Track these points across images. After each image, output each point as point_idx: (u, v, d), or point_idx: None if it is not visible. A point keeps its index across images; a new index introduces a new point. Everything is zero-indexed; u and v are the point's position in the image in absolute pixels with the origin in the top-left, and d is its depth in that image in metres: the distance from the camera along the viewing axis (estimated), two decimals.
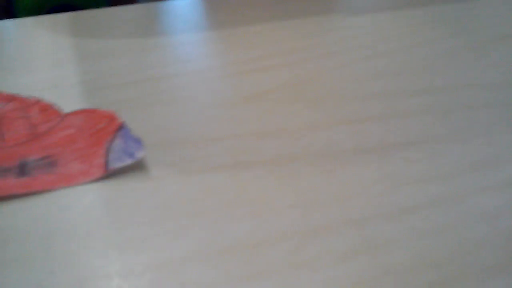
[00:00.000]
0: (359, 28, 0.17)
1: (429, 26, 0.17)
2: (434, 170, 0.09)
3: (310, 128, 0.10)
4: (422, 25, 0.17)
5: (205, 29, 0.18)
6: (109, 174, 0.09)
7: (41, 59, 0.16)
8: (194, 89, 0.13)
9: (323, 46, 0.15)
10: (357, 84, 0.13)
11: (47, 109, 0.11)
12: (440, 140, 0.10)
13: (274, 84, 0.13)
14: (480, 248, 0.07)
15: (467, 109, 0.11)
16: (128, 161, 0.09)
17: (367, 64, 0.14)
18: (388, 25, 0.17)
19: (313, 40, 0.16)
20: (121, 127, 0.10)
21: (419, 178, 0.09)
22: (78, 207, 0.08)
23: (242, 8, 0.20)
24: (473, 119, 0.10)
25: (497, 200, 0.08)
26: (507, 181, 0.09)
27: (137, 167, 0.09)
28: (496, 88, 0.12)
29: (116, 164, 0.09)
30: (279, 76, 0.13)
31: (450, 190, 0.08)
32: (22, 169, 0.09)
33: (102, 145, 0.09)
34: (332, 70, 0.14)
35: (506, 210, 0.08)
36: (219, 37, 0.17)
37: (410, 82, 0.13)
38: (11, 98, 0.12)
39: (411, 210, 0.08)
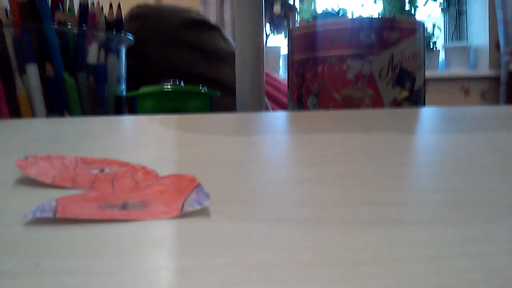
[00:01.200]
0: (402, 142, 0.19)
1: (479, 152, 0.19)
2: None
3: (337, 203, 0.13)
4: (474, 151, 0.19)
5: (284, 133, 0.22)
6: (182, 215, 0.12)
7: (151, 143, 0.20)
8: (264, 171, 0.16)
9: (369, 153, 0.18)
10: (386, 181, 0.15)
11: (148, 173, 0.15)
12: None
13: (322, 173, 0.16)
14: None
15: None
16: (197, 207, 0.12)
17: (400, 168, 0.16)
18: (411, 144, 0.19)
19: (363, 148, 0.19)
20: (197, 186, 0.13)
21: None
22: (153, 232, 0.11)
23: (316, 121, 0.24)
24: None
25: None
26: None
27: (202, 212, 0.12)
28: None
29: (188, 209, 0.12)
30: (327, 168, 0.16)
31: None
32: (124, 206, 0.12)
33: (182, 197, 0.13)
34: (374, 168, 0.16)
35: None
36: (291, 140, 0.21)
37: (433, 183, 0.15)
38: (124, 165, 0.16)
39: None
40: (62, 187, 0.14)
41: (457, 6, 3.29)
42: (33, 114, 0.43)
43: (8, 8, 0.43)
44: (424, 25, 0.41)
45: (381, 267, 0.09)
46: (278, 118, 0.28)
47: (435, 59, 3.13)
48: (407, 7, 3.05)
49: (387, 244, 0.10)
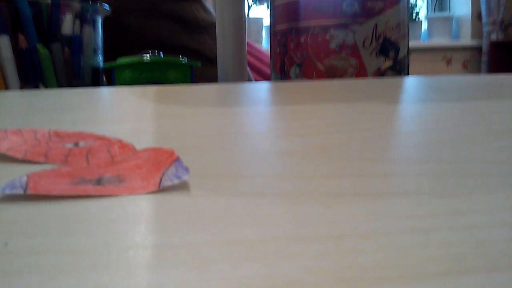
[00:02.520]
0: (386, 112, 0.19)
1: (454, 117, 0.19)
2: None
3: (321, 176, 0.12)
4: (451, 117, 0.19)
5: (266, 105, 0.21)
6: (161, 190, 0.11)
7: (128, 115, 0.19)
8: (246, 143, 0.15)
9: (353, 124, 0.18)
10: (370, 152, 0.15)
11: (124, 147, 0.14)
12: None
13: (305, 145, 0.15)
14: None
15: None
16: (175, 182, 0.11)
17: (384, 139, 0.16)
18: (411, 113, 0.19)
19: (346, 118, 0.18)
20: (176, 159, 0.13)
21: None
22: (130, 208, 0.10)
23: (299, 91, 0.23)
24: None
25: None
26: None
27: (181, 186, 0.11)
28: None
29: (166, 183, 0.11)
30: (309, 140, 0.16)
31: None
32: (99, 181, 0.12)
33: (160, 171, 0.12)
34: (358, 139, 0.16)
35: None
36: (274, 111, 0.20)
37: (417, 154, 0.14)
38: (100, 138, 0.15)
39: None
40: (34, 162, 0.13)
41: None
42: (6, 87, 0.42)
43: None
44: None
45: (365, 241, 0.08)
46: (261, 89, 0.27)
47: (417, 29, 3.13)
48: None
49: (372, 217, 0.10)
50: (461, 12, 3.18)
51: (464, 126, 0.17)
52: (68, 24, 0.44)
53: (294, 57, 0.39)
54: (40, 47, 0.42)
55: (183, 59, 0.48)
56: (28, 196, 0.11)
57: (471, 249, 0.08)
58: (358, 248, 0.08)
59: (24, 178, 0.11)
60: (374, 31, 0.37)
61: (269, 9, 0.43)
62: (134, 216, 0.10)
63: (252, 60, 0.86)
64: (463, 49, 3.17)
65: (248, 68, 0.69)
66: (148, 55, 0.46)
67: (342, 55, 0.37)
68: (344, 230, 0.09)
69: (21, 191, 0.11)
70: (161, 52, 0.48)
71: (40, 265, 0.08)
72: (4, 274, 0.08)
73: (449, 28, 3.13)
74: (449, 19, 3.12)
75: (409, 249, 0.08)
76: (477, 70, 3.16)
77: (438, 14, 3.13)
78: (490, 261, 0.08)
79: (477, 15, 3.13)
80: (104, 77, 0.51)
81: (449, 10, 3.23)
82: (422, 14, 3.19)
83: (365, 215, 0.10)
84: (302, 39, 0.38)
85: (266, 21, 2.90)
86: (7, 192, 0.11)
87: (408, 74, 0.40)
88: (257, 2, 2.70)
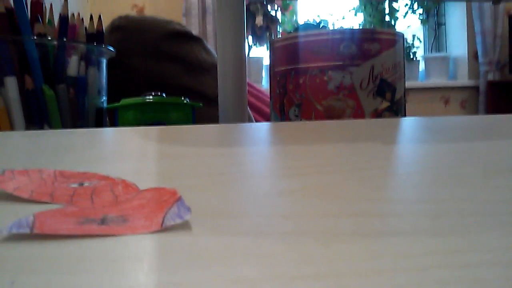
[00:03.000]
0: (383, 153, 0.19)
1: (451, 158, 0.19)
2: None
3: (320, 215, 0.13)
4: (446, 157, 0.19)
5: (266, 145, 0.22)
6: (163, 229, 0.12)
7: (131, 155, 0.20)
8: (246, 183, 0.16)
9: (351, 164, 0.18)
10: (368, 191, 0.15)
11: (128, 186, 0.15)
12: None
13: (304, 185, 0.16)
14: None
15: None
16: (178, 221, 0.12)
17: (382, 179, 0.16)
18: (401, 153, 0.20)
19: (344, 159, 0.19)
20: (178, 199, 0.13)
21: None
22: (133, 247, 0.11)
23: (298, 131, 0.24)
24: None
25: None
26: None
27: (183, 226, 0.12)
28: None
29: (169, 223, 0.12)
30: (309, 179, 0.16)
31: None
32: (103, 221, 0.12)
33: (163, 211, 0.12)
34: (355, 179, 0.16)
35: None
36: (274, 151, 0.21)
37: (414, 194, 0.15)
38: (104, 178, 0.16)
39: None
40: (40, 202, 0.14)
41: (436, 18, 3.36)
42: (12, 127, 0.42)
43: None
44: (404, 36, 0.42)
45: (364, 279, 0.09)
46: (261, 129, 0.28)
47: (415, 69, 3.17)
48: (387, 19, 3.10)
49: (370, 256, 0.10)
50: (458, 52, 3.23)
51: (460, 166, 0.18)
52: (73, 66, 0.45)
53: (293, 98, 0.40)
54: (46, 88, 0.43)
55: (185, 100, 0.48)
56: (34, 235, 0.11)
57: (467, 287, 0.08)
58: (357, 286, 0.08)
59: (31, 218, 0.12)
60: (371, 72, 0.38)
61: (269, 50, 0.44)
62: (137, 255, 0.10)
63: (252, 100, 0.88)
64: (461, 89, 3.21)
65: (248, 108, 0.70)
66: (151, 96, 0.47)
67: (340, 96, 0.38)
68: (343, 269, 0.09)
69: (27, 231, 0.11)
70: (163, 93, 0.49)
71: None
72: None
73: (446, 68, 3.17)
74: (446, 59, 3.17)
75: (407, 287, 0.08)
76: (475, 110, 3.19)
77: (435, 54, 3.19)
78: None
79: (473, 55, 3.18)
80: (107, 117, 0.51)
81: (446, 50, 3.29)
82: (420, 54, 3.25)
83: (363, 254, 0.10)
84: (301, 80, 0.39)
85: (266, 61, 2.95)
86: (14, 231, 0.11)
87: (405, 114, 0.41)
88: (257, 44, 2.76)
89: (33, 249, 0.10)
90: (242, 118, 0.50)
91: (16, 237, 0.11)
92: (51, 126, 0.44)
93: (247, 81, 0.52)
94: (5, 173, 0.16)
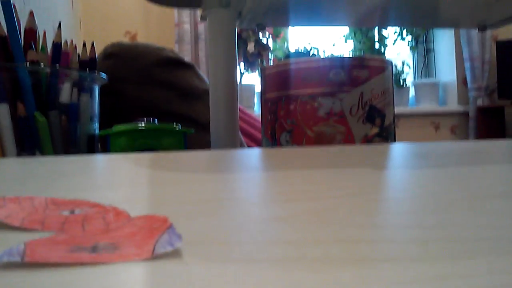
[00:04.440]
0: (373, 179, 0.20)
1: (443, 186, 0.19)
2: None
3: (310, 241, 0.13)
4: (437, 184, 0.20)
5: (257, 171, 0.22)
6: (154, 257, 0.12)
7: (123, 182, 0.20)
8: (238, 209, 0.16)
9: (341, 190, 0.18)
10: (357, 217, 0.15)
11: (119, 214, 0.15)
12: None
13: (295, 211, 0.16)
14: None
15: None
16: (168, 249, 0.12)
17: (372, 205, 0.16)
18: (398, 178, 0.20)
19: (335, 184, 0.19)
20: (169, 227, 0.13)
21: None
22: (124, 275, 0.11)
23: (289, 157, 0.24)
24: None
25: None
26: None
27: (174, 253, 0.12)
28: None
29: (159, 251, 0.12)
30: (300, 205, 0.16)
31: None
32: (94, 249, 0.12)
33: (154, 238, 0.12)
34: (346, 205, 0.16)
35: None
36: (265, 177, 0.21)
37: (403, 220, 0.15)
38: (95, 205, 0.16)
39: None
40: (31, 230, 0.14)
41: (424, 44, 3.42)
42: (3, 154, 0.42)
43: None
44: (392, 63, 0.42)
45: None
46: (252, 155, 0.28)
47: (405, 95, 3.21)
48: (377, 46, 3.15)
49: (360, 282, 0.10)
50: (447, 78, 3.28)
51: (449, 192, 0.18)
52: (66, 92, 0.46)
53: (284, 124, 0.40)
54: (38, 115, 0.43)
55: (177, 126, 0.49)
56: (25, 264, 0.11)
57: None
58: None
59: (22, 246, 0.12)
60: (360, 99, 0.38)
61: (260, 77, 0.45)
62: (128, 283, 0.10)
63: (244, 125, 0.88)
64: (451, 114, 3.25)
65: (240, 134, 0.70)
66: (143, 122, 0.47)
67: (330, 122, 0.38)
68: None
69: (18, 259, 0.11)
70: (156, 119, 0.49)
71: None
72: None
73: (436, 93, 3.22)
74: (435, 85, 3.22)
75: None
76: (465, 135, 3.22)
77: (424, 80, 3.23)
78: None
79: (462, 81, 3.23)
80: (99, 143, 0.51)
81: (435, 76, 3.34)
82: (409, 80, 3.30)
83: (354, 281, 0.10)
84: (291, 107, 0.40)
85: (258, 87, 2.98)
86: (5, 259, 0.11)
87: (395, 140, 0.41)
88: (249, 70, 2.79)
89: (24, 278, 0.10)
90: (234, 143, 0.50)
91: (7, 266, 0.11)
92: (43, 153, 0.44)
93: (239, 107, 0.53)
94: None
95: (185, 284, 0.10)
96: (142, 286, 0.10)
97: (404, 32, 3.17)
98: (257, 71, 2.79)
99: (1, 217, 0.14)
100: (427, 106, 3.15)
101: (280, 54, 3.08)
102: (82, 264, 0.11)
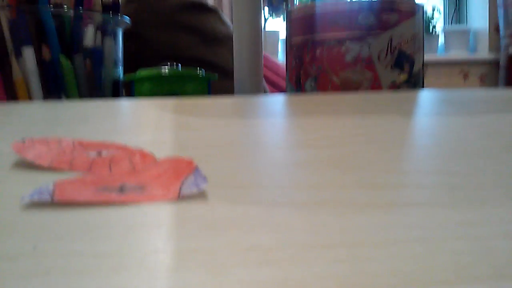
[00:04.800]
0: (401, 125, 0.19)
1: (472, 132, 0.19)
2: None
3: (334, 186, 0.13)
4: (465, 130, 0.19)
5: (281, 117, 0.22)
6: (180, 198, 0.12)
7: (148, 126, 0.20)
8: (262, 154, 0.16)
9: (367, 136, 0.18)
10: (383, 163, 0.15)
11: (145, 156, 0.15)
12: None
13: (319, 156, 0.16)
14: None
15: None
16: (194, 190, 0.12)
17: (398, 151, 0.16)
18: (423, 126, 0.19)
19: (360, 131, 0.19)
20: (195, 169, 0.13)
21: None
22: (150, 215, 0.11)
23: (314, 104, 0.24)
24: None
25: None
26: None
27: (199, 195, 0.12)
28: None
29: (185, 192, 0.12)
30: (324, 151, 0.16)
31: None
32: (121, 189, 0.12)
33: (180, 180, 0.13)
34: (371, 151, 0.16)
35: None
36: (289, 123, 0.21)
37: (430, 166, 0.15)
38: (122, 148, 0.16)
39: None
40: (59, 170, 0.14)
41: None
42: (30, 98, 0.43)
43: None
44: (423, 7, 0.41)
45: (376, 249, 0.09)
46: (276, 102, 0.28)
47: (434, 42, 3.11)
48: None
49: (383, 227, 0.10)
50: (479, 25, 3.15)
51: (477, 139, 0.18)
52: (89, 36, 0.45)
53: (310, 70, 0.40)
54: (63, 58, 0.43)
55: (200, 72, 0.48)
56: (55, 203, 0.11)
57: (479, 259, 0.08)
58: (370, 256, 0.09)
59: (51, 186, 0.12)
60: (389, 44, 0.37)
61: (285, 22, 0.44)
62: (155, 222, 0.10)
63: (268, 73, 0.87)
64: (481, 63, 3.14)
65: (264, 81, 0.69)
66: (167, 68, 0.47)
67: (357, 68, 0.37)
68: (356, 239, 0.09)
69: (48, 198, 0.11)
70: (179, 65, 0.49)
71: (66, 267, 0.08)
72: (33, 275, 0.08)
73: (466, 41, 3.10)
74: (466, 32, 3.10)
75: (419, 257, 0.08)
76: (495, 84, 3.13)
77: (455, 27, 3.11)
78: (498, 269, 0.08)
79: (494, 28, 3.10)
80: (123, 89, 0.52)
81: (466, 22, 3.21)
82: (439, 27, 3.18)
83: (377, 225, 0.10)
84: (317, 52, 0.39)
85: (282, 34, 2.92)
86: (35, 198, 0.11)
87: (423, 87, 0.40)
88: (274, 15, 2.72)
89: (54, 216, 0.11)
90: (258, 90, 0.50)
91: (37, 204, 0.11)
92: (69, 97, 0.44)
93: (263, 53, 0.52)
94: (26, 142, 0.16)
95: (210, 224, 0.10)
96: (168, 226, 0.10)
97: None
98: (281, 16, 2.72)
99: (30, 157, 0.14)
100: (457, 53, 3.05)
101: None
102: (109, 204, 0.11)
